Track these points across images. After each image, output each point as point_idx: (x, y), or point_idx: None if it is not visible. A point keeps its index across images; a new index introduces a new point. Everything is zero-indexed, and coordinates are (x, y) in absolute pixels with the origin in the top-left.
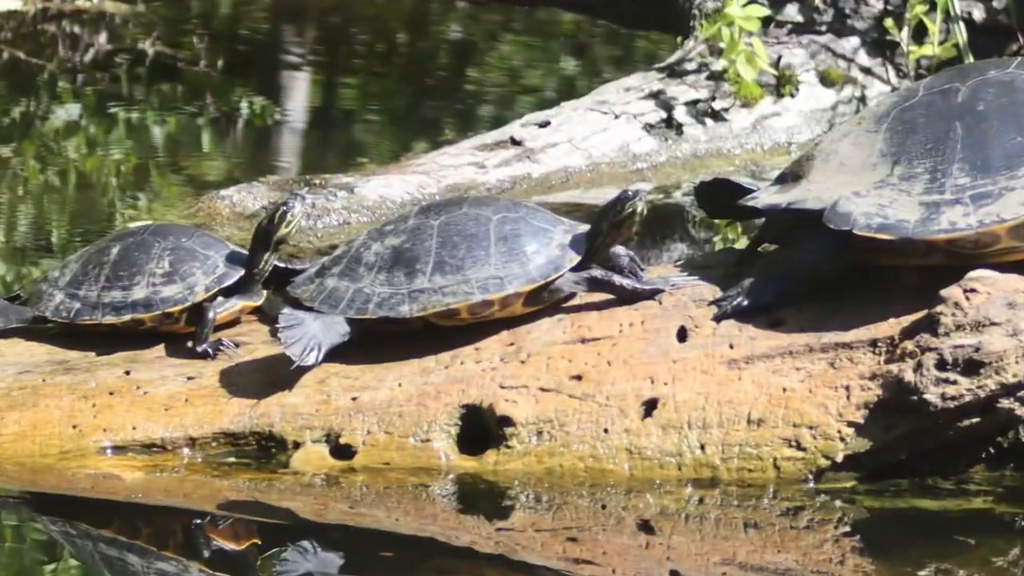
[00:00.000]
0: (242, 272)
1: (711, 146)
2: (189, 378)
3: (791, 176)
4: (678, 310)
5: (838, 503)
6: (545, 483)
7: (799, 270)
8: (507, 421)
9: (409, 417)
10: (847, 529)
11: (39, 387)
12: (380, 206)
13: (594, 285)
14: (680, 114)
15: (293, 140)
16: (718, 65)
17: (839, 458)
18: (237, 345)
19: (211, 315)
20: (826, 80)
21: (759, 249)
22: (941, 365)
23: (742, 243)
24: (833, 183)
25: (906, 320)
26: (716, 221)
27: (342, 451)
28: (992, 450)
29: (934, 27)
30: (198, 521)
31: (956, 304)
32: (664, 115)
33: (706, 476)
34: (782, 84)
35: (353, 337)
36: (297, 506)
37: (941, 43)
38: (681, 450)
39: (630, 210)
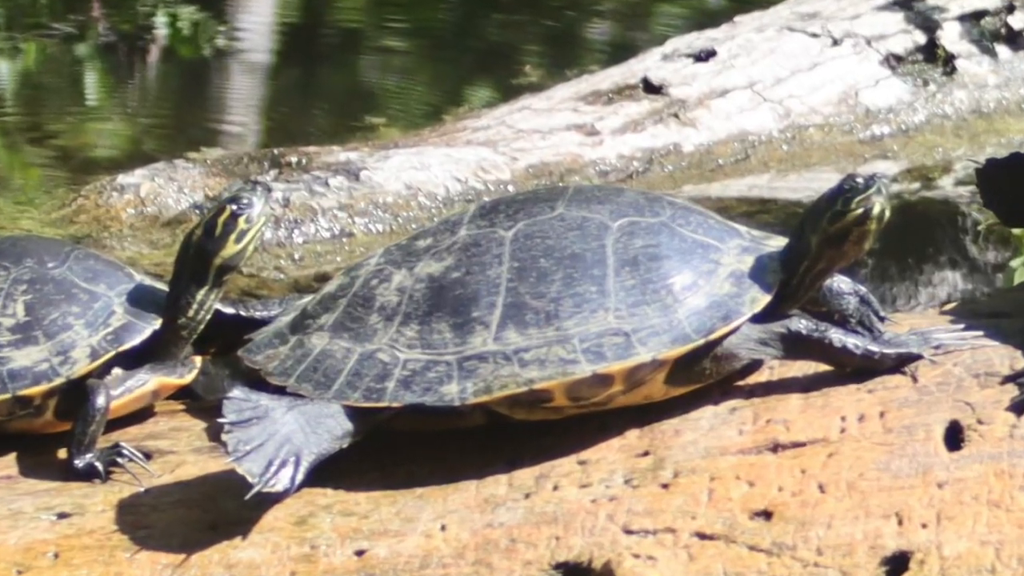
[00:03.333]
0: (157, 324)
1: (1007, 95)
2: (61, 515)
3: None
4: (946, 392)
5: None
6: None
7: None
8: None
9: None
10: None
11: None
12: (407, 203)
13: (796, 346)
14: (950, 37)
15: (250, 84)
16: None
17: None
18: (148, 456)
19: (101, 401)
20: None
21: None
22: None
23: None
24: None
25: None
26: (1015, 231)
27: None
28: None
29: None
30: None
31: None
32: (921, 39)
33: None
34: None
35: (358, 440)
36: None
37: None
38: None
39: (859, 211)
